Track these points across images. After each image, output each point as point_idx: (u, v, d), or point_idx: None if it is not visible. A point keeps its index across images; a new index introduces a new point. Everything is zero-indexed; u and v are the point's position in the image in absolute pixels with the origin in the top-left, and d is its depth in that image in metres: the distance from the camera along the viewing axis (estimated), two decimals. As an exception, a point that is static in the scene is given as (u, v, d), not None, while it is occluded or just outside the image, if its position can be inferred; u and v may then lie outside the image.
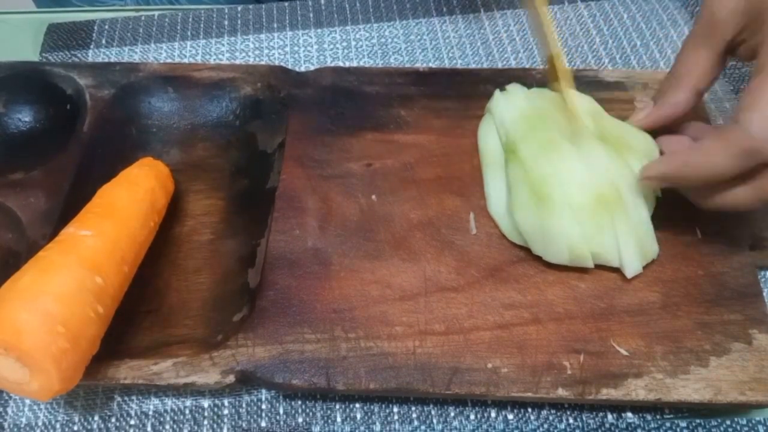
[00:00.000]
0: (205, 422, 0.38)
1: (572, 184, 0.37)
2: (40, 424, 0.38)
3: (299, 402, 0.39)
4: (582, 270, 0.39)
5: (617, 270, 0.39)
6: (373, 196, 0.43)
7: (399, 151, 0.44)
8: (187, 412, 0.39)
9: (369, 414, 0.38)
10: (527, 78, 0.47)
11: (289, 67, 0.50)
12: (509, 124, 0.42)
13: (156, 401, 0.39)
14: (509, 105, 0.43)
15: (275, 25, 0.57)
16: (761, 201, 0.33)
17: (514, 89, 0.44)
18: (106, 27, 0.57)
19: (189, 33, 0.57)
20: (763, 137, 0.31)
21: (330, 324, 0.37)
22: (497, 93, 0.44)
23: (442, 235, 0.41)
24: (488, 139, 0.43)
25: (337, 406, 0.38)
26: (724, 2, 0.35)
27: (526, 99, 0.43)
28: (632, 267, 0.38)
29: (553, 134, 0.40)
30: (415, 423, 0.38)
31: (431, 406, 0.38)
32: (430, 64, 0.54)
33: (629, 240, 0.37)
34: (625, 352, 0.36)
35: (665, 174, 0.36)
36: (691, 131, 0.39)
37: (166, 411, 0.39)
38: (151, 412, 0.39)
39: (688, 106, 0.38)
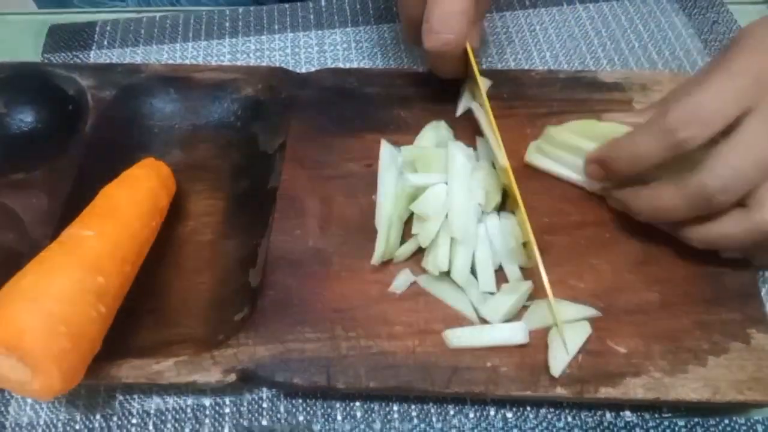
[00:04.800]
0: (207, 421, 0.38)
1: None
2: (41, 423, 0.38)
3: (300, 400, 0.39)
4: (581, 270, 0.39)
5: (616, 270, 0.39)
6: (374, 197, 0.43)
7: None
8: (188, 410, 0.39)
9: (369, 412, 0.38)
10: (525, 78, 0.48)
11: (290, 68, 0.51)
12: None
13: (158, 400, 0.39)
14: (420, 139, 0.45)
15: (276, 27, 0.57)
16: (750, 233, 0.35)
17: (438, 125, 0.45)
18: (108, 28, 0.57)
19: (190, 34, 0.57)
20: (675, 123, 0.35)
21: (330, 323, 0.38)
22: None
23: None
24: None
25: (338, 405, 0.39)
26: None
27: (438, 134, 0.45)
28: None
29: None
30: (415, 421, 0.38)
31: (431, 404, 0.38)
32: (430, 66, 0.54)
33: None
34: (623, 351, 0.36)
35: (597, 155, 0.40)
36: None
37: (167, 410, 0.39)
38: (152, 411, 0.39)
39: None
